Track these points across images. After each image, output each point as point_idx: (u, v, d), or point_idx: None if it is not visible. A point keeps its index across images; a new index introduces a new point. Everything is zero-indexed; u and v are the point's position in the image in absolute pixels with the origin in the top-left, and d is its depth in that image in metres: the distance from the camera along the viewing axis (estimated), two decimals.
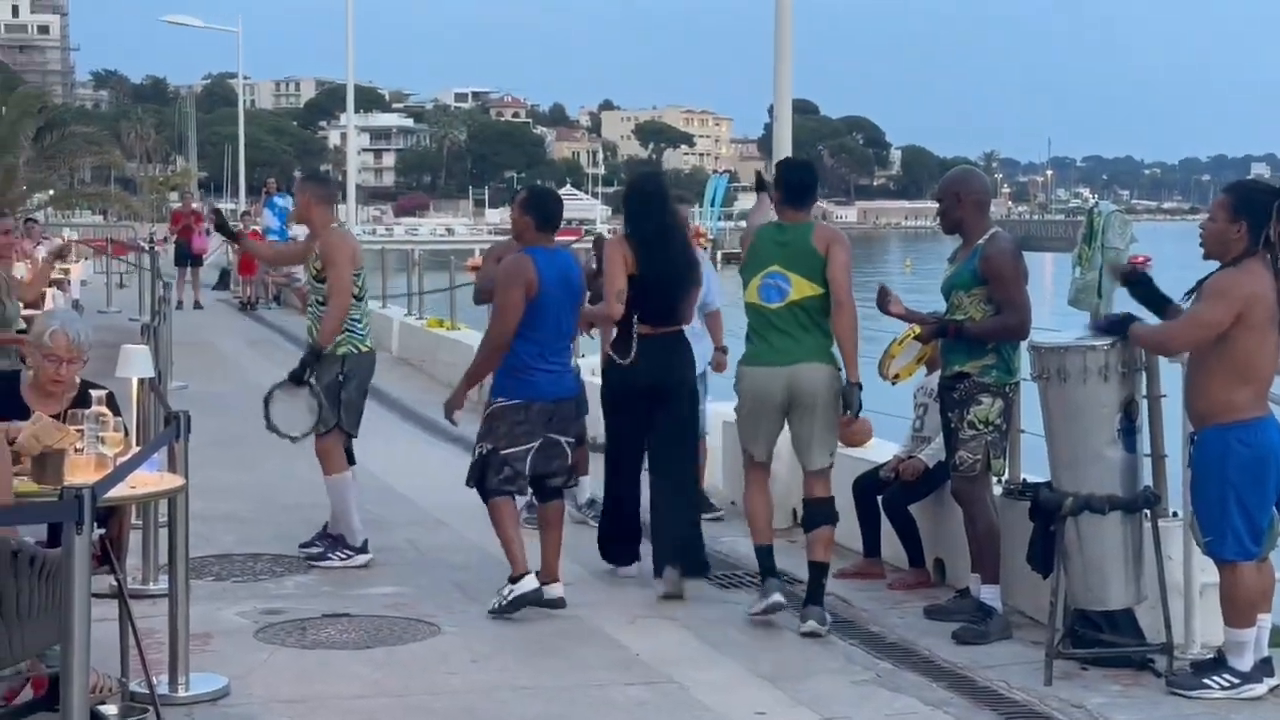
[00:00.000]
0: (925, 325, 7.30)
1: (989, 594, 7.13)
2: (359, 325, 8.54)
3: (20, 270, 13.71)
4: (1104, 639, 6.55)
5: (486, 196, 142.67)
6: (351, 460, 8.63)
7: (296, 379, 8.57)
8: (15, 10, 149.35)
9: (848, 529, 8.47)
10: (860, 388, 7.21)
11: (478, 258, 56.05)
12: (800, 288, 7.20)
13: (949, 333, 7.18)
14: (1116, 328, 6.43)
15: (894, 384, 7.60)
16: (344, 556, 8.41)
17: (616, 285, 7.65)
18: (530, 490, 7.74)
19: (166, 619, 6.17)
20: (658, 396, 7.76)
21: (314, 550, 8.52)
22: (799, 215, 7.39)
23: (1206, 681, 6.18)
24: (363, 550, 8.46)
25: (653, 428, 7.82)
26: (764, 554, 7.41)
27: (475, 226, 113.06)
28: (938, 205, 7.37)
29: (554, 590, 7.49)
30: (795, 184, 7.46)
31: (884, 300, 7.37)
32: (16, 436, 5.58)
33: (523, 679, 6.46)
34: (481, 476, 7.51)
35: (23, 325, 9.45)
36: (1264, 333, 6.02)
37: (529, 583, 7.39)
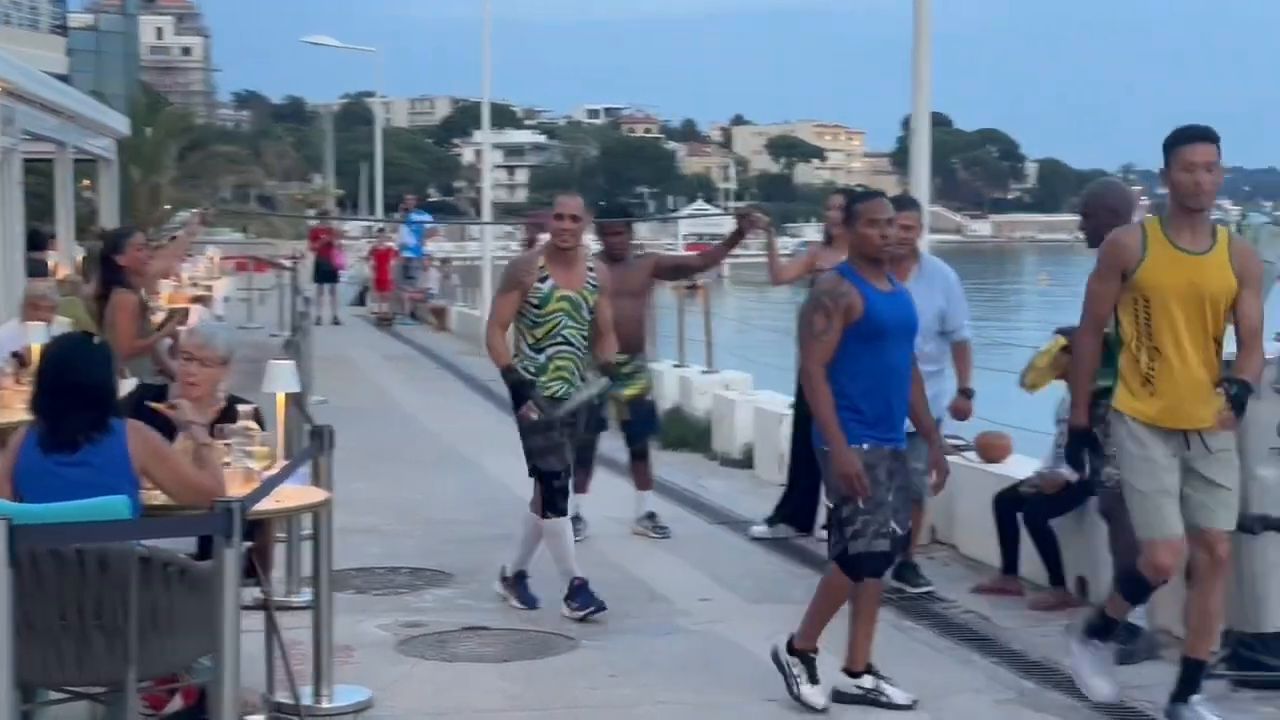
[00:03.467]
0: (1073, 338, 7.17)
1: (1135, 613, 6.99)
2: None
3: (168, 287, 14.08)
4: (1260, 660, 6.40)
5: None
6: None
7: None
8: (160, 33, 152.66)
9: (987, 545, 8.38)
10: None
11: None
12: None
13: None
14: None
15: (1031, 392, 7.53)
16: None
17: None
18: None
19: (310, 631, 6.25)
20: None
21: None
22: None
23: None
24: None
25: None
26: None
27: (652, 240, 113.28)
28: (1084, 219, 7.23)
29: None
30: None
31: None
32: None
33: (662, 694, 6.46)
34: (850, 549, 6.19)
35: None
36: None
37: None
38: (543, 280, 7.64)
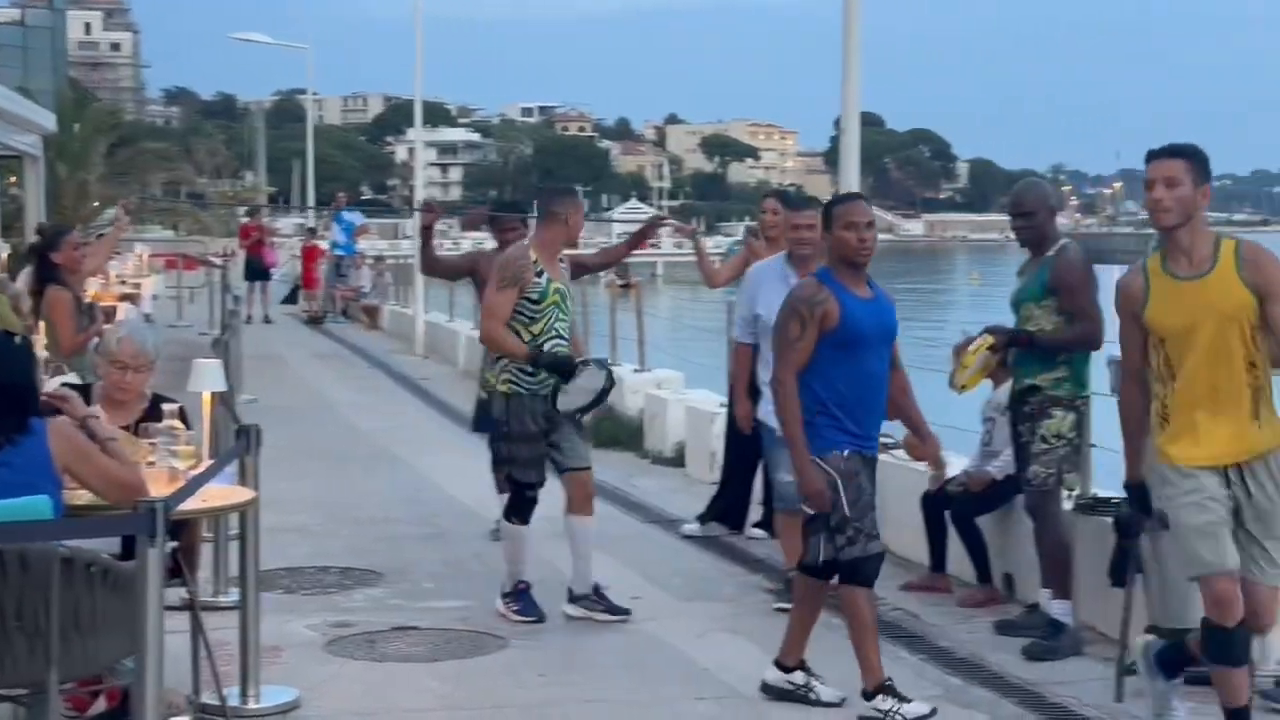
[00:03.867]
0: (998, 334, 7.23)
1: (1060, 609, 7.07)
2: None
3: (95, 285, 13.95)
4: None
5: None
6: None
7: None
8: (88, 28, 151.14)
9: (915, 543, 8.44)
10: None
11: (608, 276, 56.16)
12: None
13: (1023, 342, 7.13)
14: None
15: (960, 393, 7.57)
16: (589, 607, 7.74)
17: None
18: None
19: (237, 631, 6.21)
20: None
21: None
22: None
23: None
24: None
25: None
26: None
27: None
28: (1021, 219, 7.23)
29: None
30: None
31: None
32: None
33: (590, 693, 6.47)
34: (843, 560, 6.13)
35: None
36: None
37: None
38: (539, 275, 7.58)
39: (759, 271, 8.14)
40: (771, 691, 6.32)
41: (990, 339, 7.24)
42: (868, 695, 6.12)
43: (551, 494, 7.80)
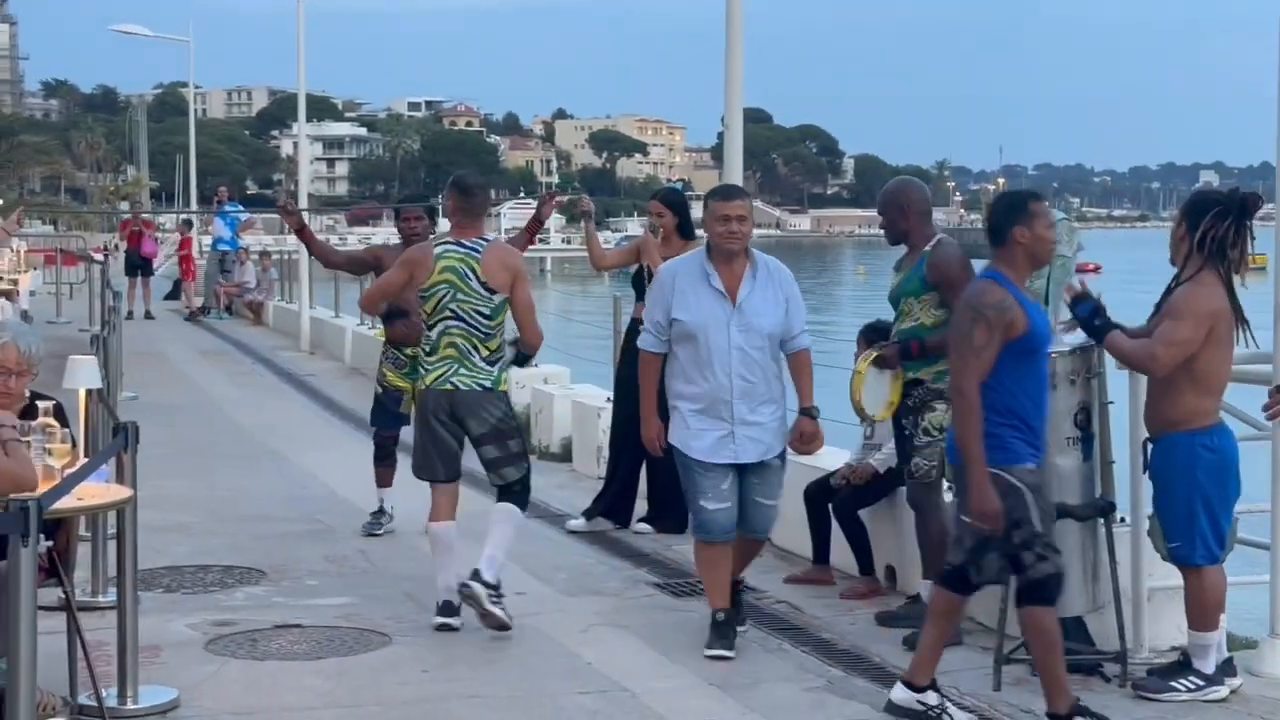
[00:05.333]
0: (887, 351, 7.21)
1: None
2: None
3: None
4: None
5: (440, 205, 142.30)
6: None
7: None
8: None
9: (798, 536, 8.51)
10: None
11: None
12: None
13: (914, 352, 7.14)
14: (1091, 330, 6.42)
15: (880, 421, 7.50)
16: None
17: None
18: None
19: (115, 631, 6.13)
20: None
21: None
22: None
23: (1173, 684, 6.25)
24: (443, 611, 7.36)
25: None
26: None
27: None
28: (881, 218, 7.42)
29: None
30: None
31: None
32: None
33: (474, 688, 6.45)
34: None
35: None
36: (1226, 346, 6.24)
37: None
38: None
39: (675, 270, 7.08)
40: (899, 712, 6.01)
41: (874, 353, 7.25)
42: (917, 689, 6.00)
43: (418, 489, 7.71)
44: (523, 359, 7.79)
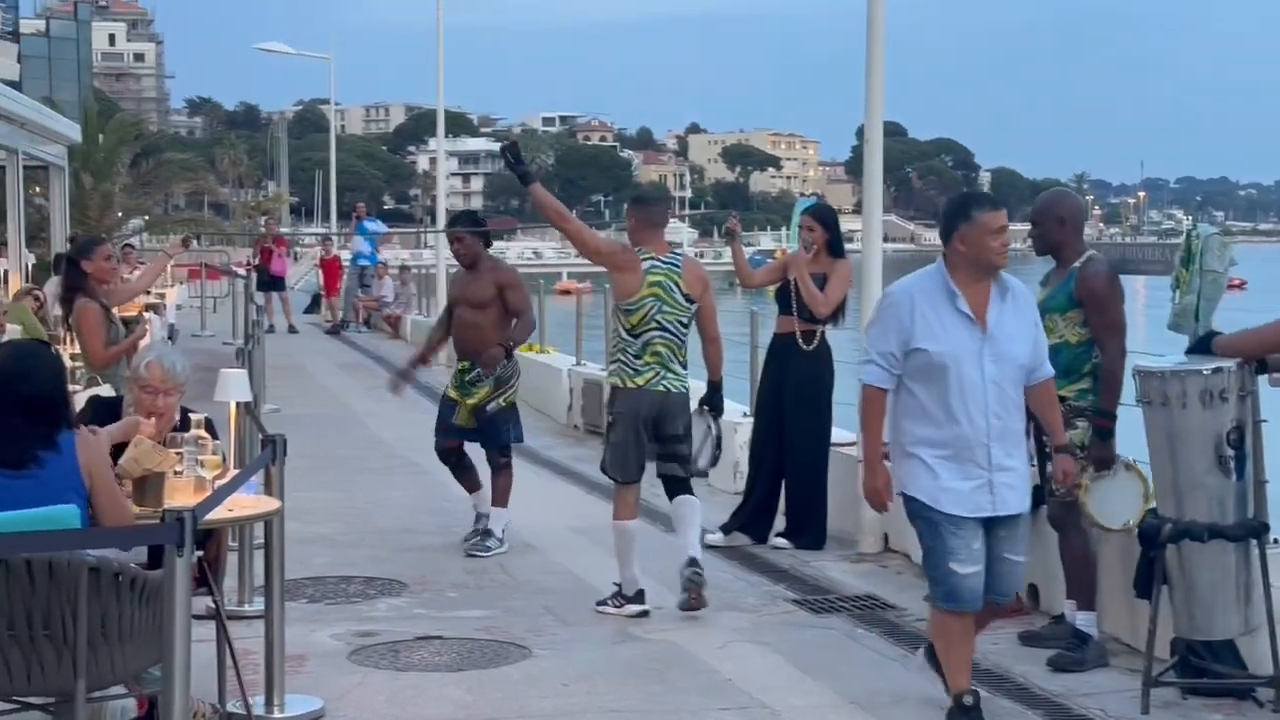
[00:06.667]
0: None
1: (1084, 620, 7.05)
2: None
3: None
4: (1208, 668, 6.45)
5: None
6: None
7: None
8: (112, 39, 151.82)
9: None
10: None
11: (566, 281, 56.06)
12: None
13: (1105, 427, 6.88)
14: (1200, 346, 6.36)
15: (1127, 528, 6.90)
16: (617, 605, 7.90)
17: None
18: None
19: (262, 641, 6.22)
20: None
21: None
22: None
23: None
24: (636, 600, 7.87)
25: None
26: None
27: (562, 250, 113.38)
28: (1033, 227, 7.29)
29: None
30: None
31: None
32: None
33: (613, 703, 6.46)
34: None
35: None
36: None
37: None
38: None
39: (911, 291, 5.98)
40: None
41: (1088, 469, 6.85)
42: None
43: (558, 499, 7.78)
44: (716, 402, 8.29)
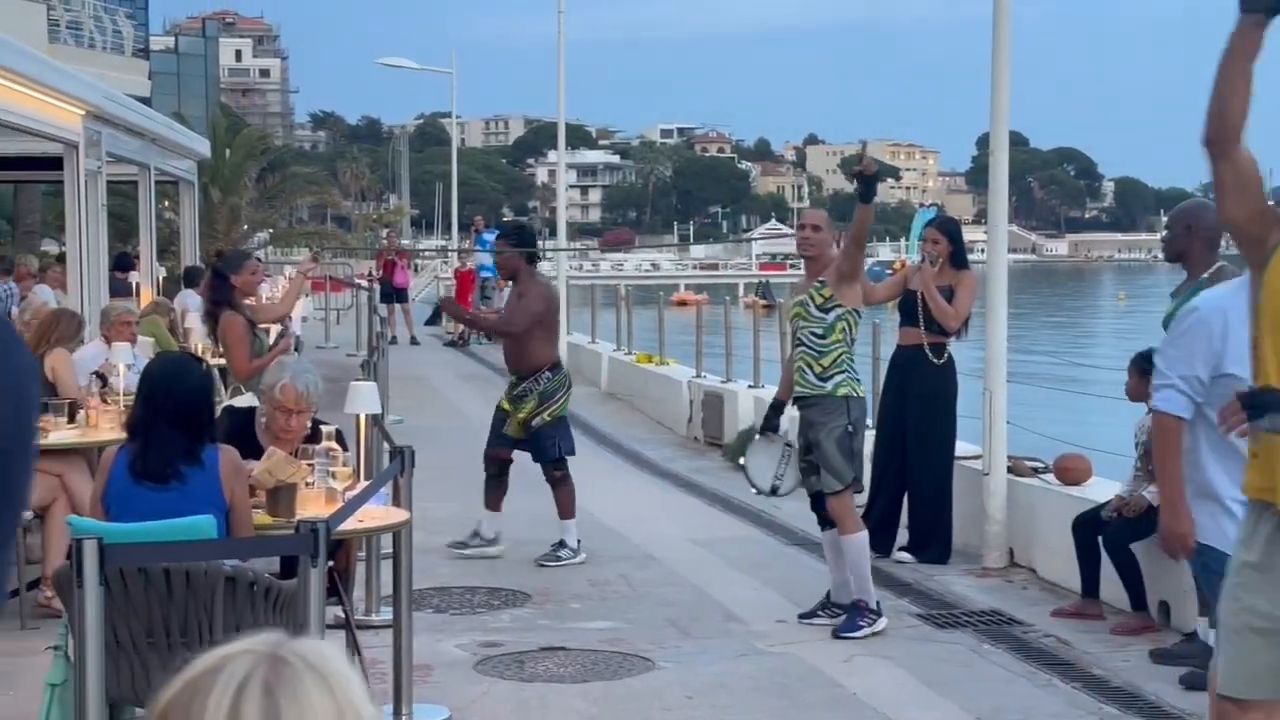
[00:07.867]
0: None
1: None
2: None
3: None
4: None
5: (691, 232, 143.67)
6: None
7: (771, 429, 8.36)
8: (238, 55, 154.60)
9: (1065, 568, 8.32)
10: None
11: (684, 293, 55.99)
12: None
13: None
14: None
15: None
16: (869, 622, 7.78)
17: None
18: None
19: (389, 650, 6.29)
20: None
21: (831, 620, 7.97)
22: None
23: None
24: (877, 613, 7.87)
25: None
26: None
27: (680, 262, 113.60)
28: (1165, 233, 7.21)
29: None
30: None
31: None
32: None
33: (738, 715, 6.46)
34: None
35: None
36: None
37: None
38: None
39: (1223, 308, 5.02)
40: None
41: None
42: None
43: (682, 512, 7.78)
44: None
